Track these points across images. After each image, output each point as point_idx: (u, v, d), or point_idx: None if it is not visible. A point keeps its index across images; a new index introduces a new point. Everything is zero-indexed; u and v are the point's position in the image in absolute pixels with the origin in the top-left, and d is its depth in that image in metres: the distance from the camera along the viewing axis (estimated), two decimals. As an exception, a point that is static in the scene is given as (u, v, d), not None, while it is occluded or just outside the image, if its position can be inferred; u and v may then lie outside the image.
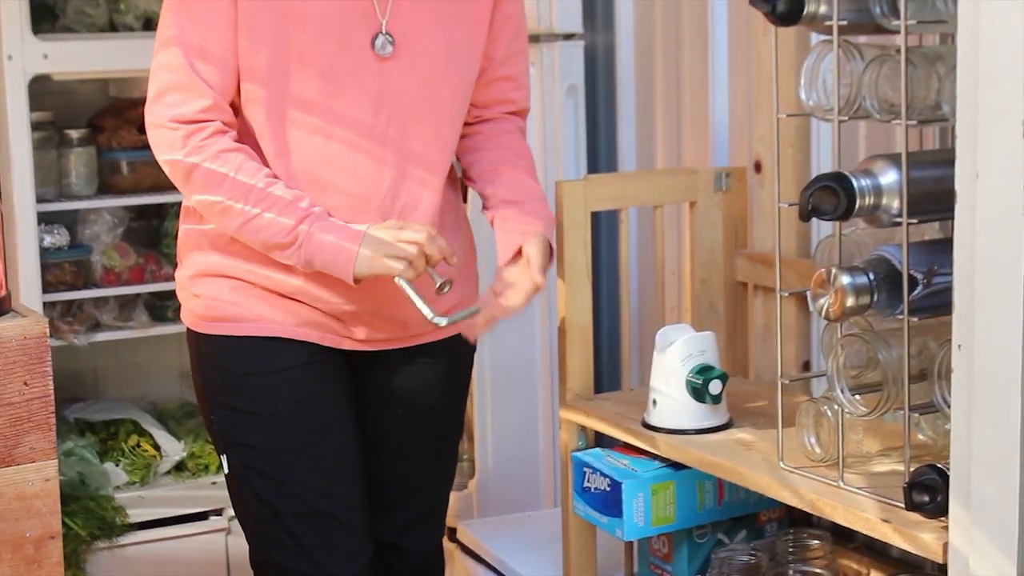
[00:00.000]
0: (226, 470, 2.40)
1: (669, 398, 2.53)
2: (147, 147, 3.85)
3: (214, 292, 2.35)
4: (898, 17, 2.11)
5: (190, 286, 2.39)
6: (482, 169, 2.44)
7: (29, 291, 3.48)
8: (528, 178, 2.43)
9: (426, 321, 2.24)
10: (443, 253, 2.22)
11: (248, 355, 2.35)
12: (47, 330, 2.02)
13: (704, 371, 2.51)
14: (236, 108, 2.30)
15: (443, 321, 2.24)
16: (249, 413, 2.36)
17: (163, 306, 3.97)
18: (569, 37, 3.35)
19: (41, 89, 3.69)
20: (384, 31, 2.26)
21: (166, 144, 2.26)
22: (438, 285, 2.24)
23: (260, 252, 2.27)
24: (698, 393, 2.51)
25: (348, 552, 2.40)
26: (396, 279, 2.21)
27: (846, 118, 2.22)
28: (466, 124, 2.45)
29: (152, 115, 2.27)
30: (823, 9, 2.24)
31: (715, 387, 2.50)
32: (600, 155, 3.38)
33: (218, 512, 3.73)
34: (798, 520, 2.79)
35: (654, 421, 2.56)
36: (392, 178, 2.29)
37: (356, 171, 2.27)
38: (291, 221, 2.21)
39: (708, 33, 3.10)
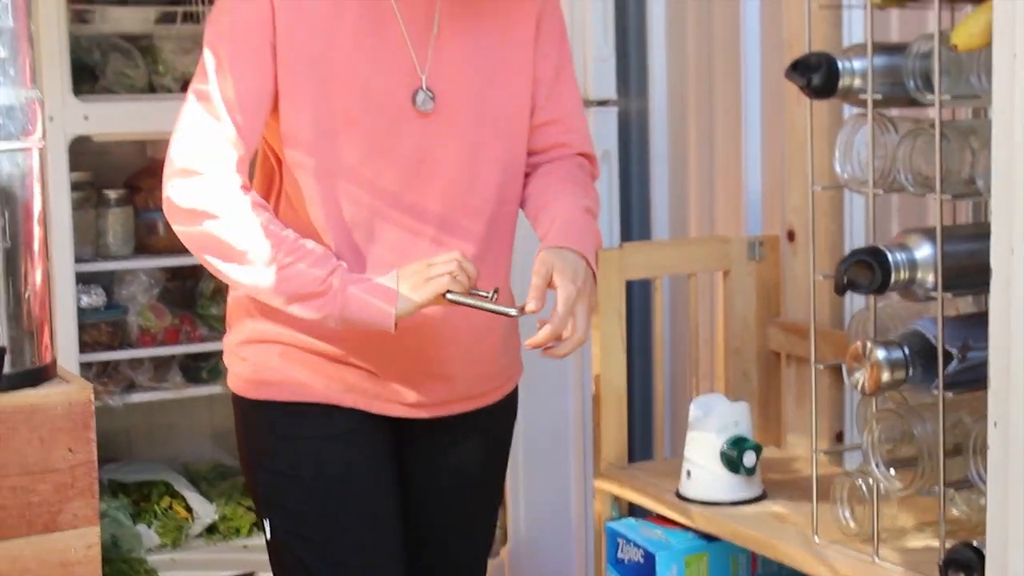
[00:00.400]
0: (267, 535, 2.39)
1: (703, 469, 2.53)
2: (184, 208, 3.97)
3: (263, 358, 2.36)
4: (932, 92, 2.13)
5: (238, 351, 2.40)
6: (531, 206, 2.35)
7: (66, 352, 3.50)
8: (570, 201, 2.29)
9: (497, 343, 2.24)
10: (474, 275, 2.15)
11: (295, 420, 2.35)
12: (92, 396, 2.03)
13: (738, 443, 2.51)
14: (275, 171, 2.31)
15: (514, 311, 2.11)
16: (293, 478, 2.36)
17: (197, 367, 3.99)
18: (603, 103, 3.37)
19: (80, 149, 3.72)
20: (424, 87, 2.24)
21: (189, 193, 2.20)
22: (489, 296, 2.14)
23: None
24: (732, 465, 2.51)
25: None
26: (448, 296, 2.13)
27: (881, 191, 2.22)
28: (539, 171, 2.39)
29: (175, 165, 2.21)
30: (858, 83, 2.26)
31: (749, 459, 2.50)
32: (633, 221, 3.39)
33: (250, 575, 3.73)
34: (832, 591, 2.77)
35: (688, 492, 2.56)
36: (428, 250, 2.27)
37: (397, 243, 2.27)
38: (323, 272, 2.17)
39: (741, 100, 3.11)
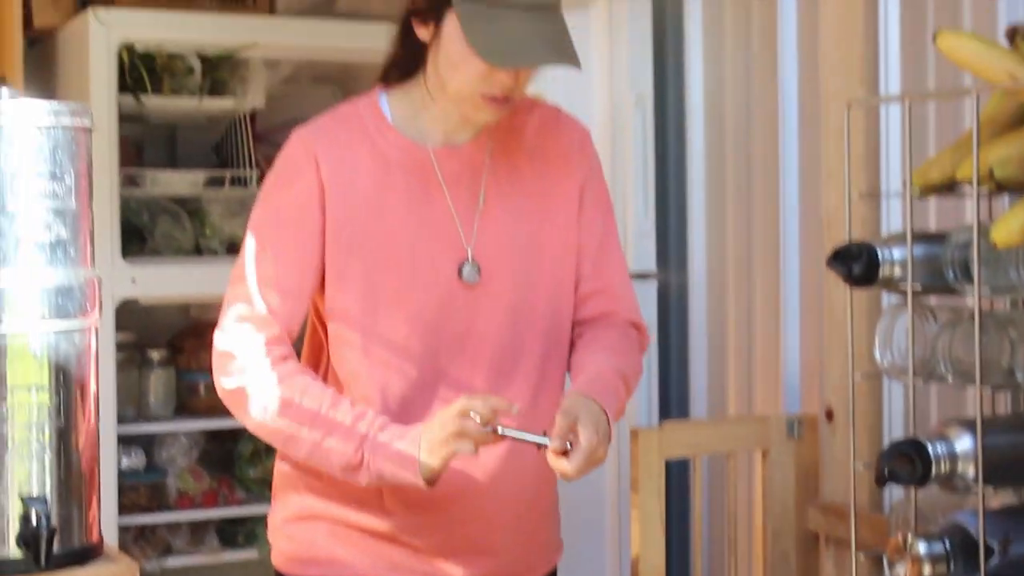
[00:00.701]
0: None
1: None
2: (226, 369, 4.00)
3: (309, 536, 2.36)
4: (971, 282, 2.15)
5: (284, 528, 2.40)
6: (573, 373, 2.34)
7: (106, 515, 3.50)
8: (604, 360, 2.28)
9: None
10: (495, 408, 2.12)
11: None
12: (137, 575, 2.05)
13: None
14: (323, 345, 2.34)
15: (546, 440, 2.09)
16: None
17: (234, 531, 3.99)
18: (643, 277, 3.42)
19: (126, 309, 3.78)
20: (471, 259, 2.27)
21: (231, 371, 2.24)
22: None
23: (353, 494, 2.28)
24: None
25: None
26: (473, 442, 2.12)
27: (921, 381, 2.24)
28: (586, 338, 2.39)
29: (221, 346, 2.26)
30: (897, 272, 2.28)
31: None
32: (672, 398, 3.41)
33: None
34: None
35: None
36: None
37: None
38: (351, 448, 2.17)
39: (780, 278, 3.14)
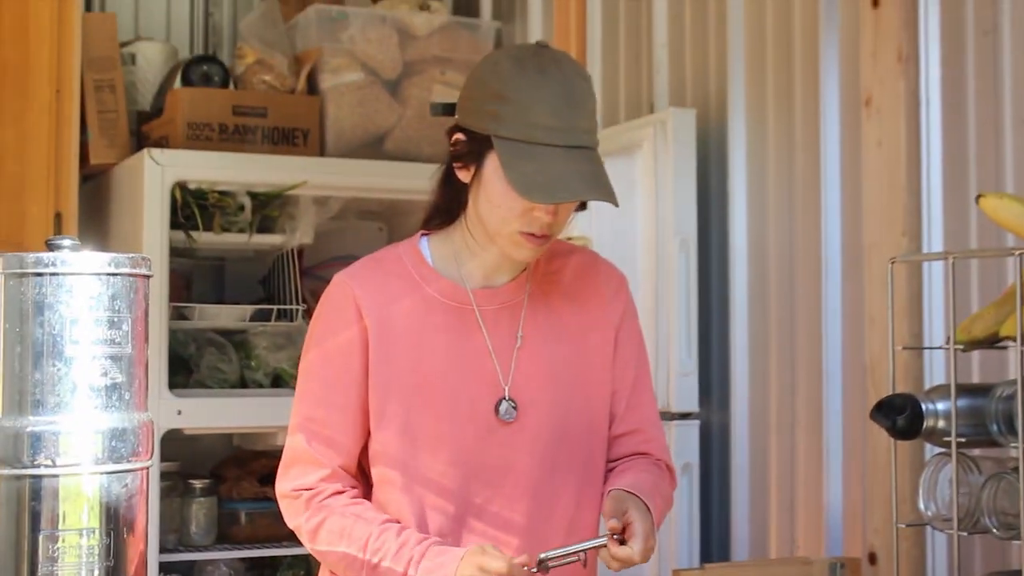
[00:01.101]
0: None
1: None
2: (267, 499, 4.05)
3: None
4: (1015, 435, 2.17)
5: None
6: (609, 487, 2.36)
7: (145, 644, 3.53)
8: (640, 474, 2.33)
9: None
10: (528, 563, 2.18)
11: None
12: None
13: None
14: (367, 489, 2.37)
15: (603, 540, 2.16)
16: None
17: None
18: (685, 416, 3.43)
19: (169, 437, 3.82)
20: (507, 396, 2.31)
21: (292, 512, 2.32)
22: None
23: None
24: None
25: None
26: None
27: (965, 533, 2.25)
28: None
29: (279, 490, 2.34)
30: (941, 424, 2.31)
31: None
32: (713, 539, 3.41)
33: None
34: None
35: None
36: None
37: None
38: (400, 569, 2.22)
39: (823, 421, 3.16)
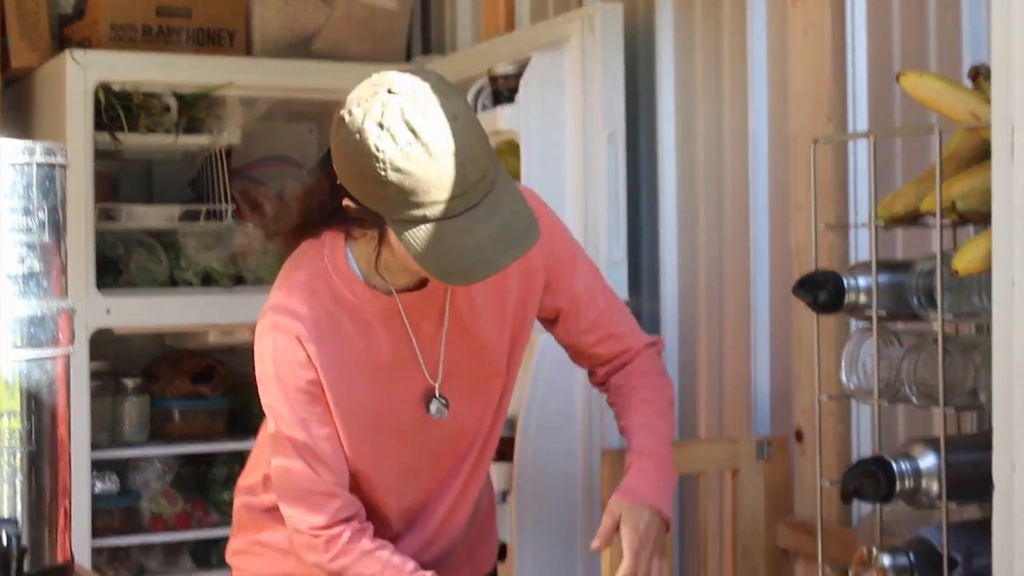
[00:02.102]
0: None
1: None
2: (198, 396, 4.06)
3: (271, 554, 2.48)
4: (935, 309, 2.22)
5: (249, 548, 2.51)
6: (624, 435, 2.52)
7: (79, 537, 3.55)
8: (649, 440, 2.44)
9: None
10: None
11: None
12: (109, 596, 2.09)
13: None
14: None
15: None
16: None
17: (207, 553, 4.03)
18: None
19: (100, 339, 3.82)
20: (438, 395, 2.35)
21: (310, 551, 2.34)
22: None
23: None
24: None
25: None
26: None
27: (886, 403, 2.31)
28: (598, 384, 2.56)
29: (290, 520, 2.34)
30: (863, 299, 2.35)
31: None
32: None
33: None
34: None
35: None
36: (426, 478, 2.43)
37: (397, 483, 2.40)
38: None
39: (750, 305, 3.22)
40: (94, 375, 3.88)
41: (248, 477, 2.57)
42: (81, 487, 3.67)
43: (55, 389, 2.09)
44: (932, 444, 2.24)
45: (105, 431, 3.97)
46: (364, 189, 2.11)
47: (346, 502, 2.32)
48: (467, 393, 2.39)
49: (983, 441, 2.04)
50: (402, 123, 2.05)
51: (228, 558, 2.60)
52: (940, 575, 2.17)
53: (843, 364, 2.39)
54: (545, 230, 2.27)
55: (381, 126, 2.05)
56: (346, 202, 2.19)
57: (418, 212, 2.06)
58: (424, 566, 2.37)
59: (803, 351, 2.91)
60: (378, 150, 2.04)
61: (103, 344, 3.92)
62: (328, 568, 2.32)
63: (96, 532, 3.80)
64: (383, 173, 2.05)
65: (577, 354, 2.55)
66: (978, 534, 2.17)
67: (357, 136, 2.07)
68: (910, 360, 2.30)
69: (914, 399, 2.29)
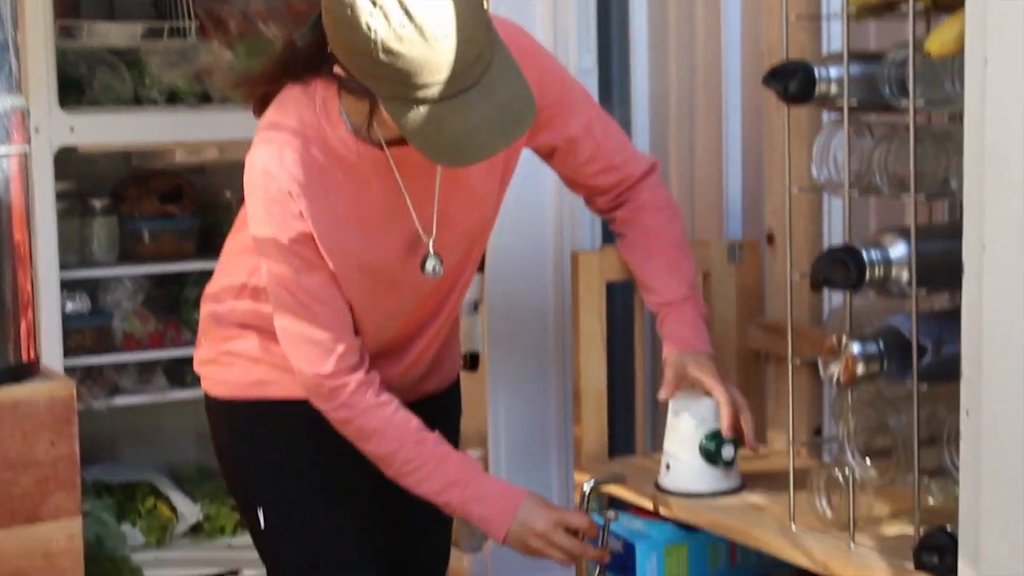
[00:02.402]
0: (261, 525, 2.47)
1: (683, 462, 2.58)
2: (168, 216, 4.03)
3: (246, 352, 2.49)
4: (907, 97, 2.20)
5: (218, 358, 2.54)
6: (642, 286, 2.64)
7: (51, 356, 3.54)
8: (676, 285, 2.57)
9: None
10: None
11: (287, 414, 2.46)
12: (74, 392, 2.10)
13: (717, 436, 2.56)
14: None
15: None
16: (290, 468, 2.46)
17: (181, 371, 4.04)
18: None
19: (66, 159, 3.77)
20: (432, 251, 2.34)
21: (314, 394, 2.37)
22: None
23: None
24: (711, 458, 2.55)
25: None
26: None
27: (856, 193, 2.30)
28: (599, 212, 2.63)
29: (295, 365, 2.36)
30: (834, 89, 2.33)
31: (727, 452, 2.55)
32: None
33: (234, 573, 3.77)
34: (809, 584, 2.84)
35: (667, 484, 2.60)
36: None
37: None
38: (436, 487, 2.37)
39: (722, 106, 3.18)
40: (61, 195, 3.82)
41: (214, 284, 2.57)
42: (51, 306, 3.65)
43: (11, 189, 2.07)
44: (903, 233, 2.24)
45: (74, 252, 3.94)
46: (354, 63, 2.07)
47: (349, 348, 2.33)
48: (459, 245, 2.39)
49: (954, 230, 2.03)
50: (395, 1, 1.99)
51: (196, 367, 2.60)
52: (909, 362, 2.18)
53: (814, 156, 2.37)
54: (534, 69, 2.25)
55: (374, 3, 1.99)
56: (337, 69, 2.14)
57: (409, 94, 2.02)
58: (400, 387, 2.40)
59: (774, 149, 2.88)
60: (369, 29, 1.99)
61: (69, 164, 3.86)
62: (331, 416, 2.36)
63: (68, 351, 3.79)
64: (374, 53, 2.00)
65: (574, 184, 2.58)
66: (948, 323, 2.17)
67: (349, 11, 2.01)
68: (881, 150, 2.28)
69: (885, 189, 2.28)
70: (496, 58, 2.07)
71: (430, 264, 2.33)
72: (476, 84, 2.03)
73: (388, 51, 1.99)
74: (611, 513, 2.56)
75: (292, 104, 2.27)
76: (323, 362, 2.31)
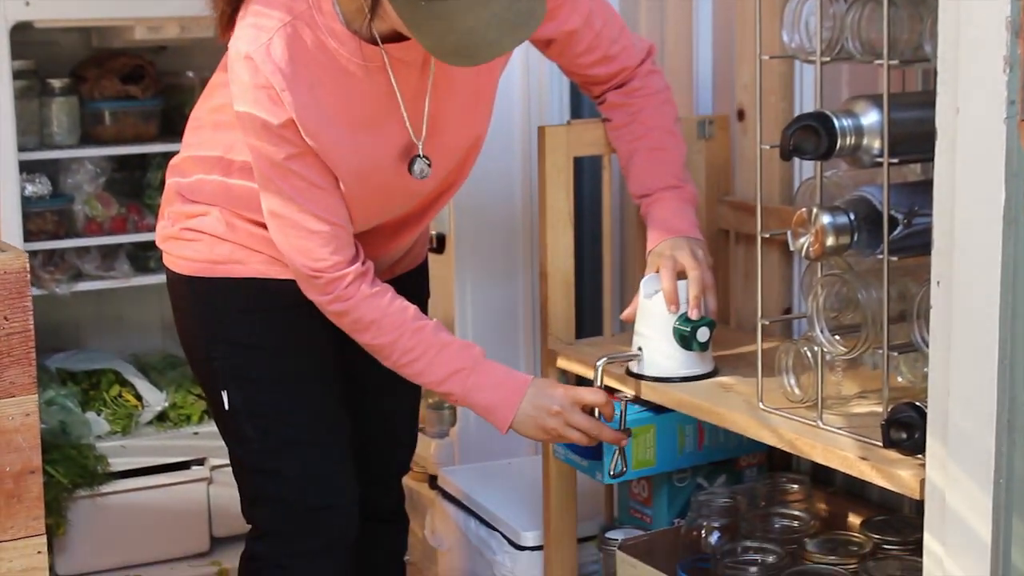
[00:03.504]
0: (225, 406, 2.43)
1: (655, 346, 2.49)
2: (130, 98, 3.93)
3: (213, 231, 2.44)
4: (881, -40, 2.11)
5: (181, 234, 2.47)
6: (621, 161, 2.63)
7: (10, 239, 3.48)
8: (648, 155, 2.55)
9: None
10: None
11: (253, 293, 2.42)
12: (27, 264, 2.02)
13: (691, 319, 2.49)
14: None
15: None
16: (255, 348, 2.42)
17: (145, 256, 3.98)
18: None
19: (23, 38, 3.67)
20: (421, 153, 2.28)
21: (309, 286, 2.33)
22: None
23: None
24: (685, 341, 2.46)
25: (347, 483, 2.49)
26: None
27: (828, 59, 2.22)
28: (595, 98, 2.61)
29: (288, 254, 2.31)
30: (804, -49, 2.24)
31: (703, 335, 2.46)
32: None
33: (200, 462, 3.74)
34: (777, 466, 2.80)
35: (640, 370, 2.52)
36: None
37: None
38: (439, 376, 2.33)
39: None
40: (18, 74, 3.72)
41: (181, 156, 2.50)
42: (9, 189, 3.57)
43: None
44: (875, 100, 2.15)
45: (33, 133, 3.84)
46: None
47: (346, 239, 2.28)
48: (451, 156, 2.34)
49: (927, 99, 1.95)
50: None
51: (159, 242, 2.54)
52: (880, 233, 2.11)
53: (784, 21, 2.28)
54: None
55: None
56: None
57: None
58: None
59: (745, 23, 2.80)
60: None
61: (26, 45, 3.76)
62: (327, 309, 2.32)
63: (29, 236, 3.72)
64: None
65: (569, 73, 2.56)
66: (919, 194, 2.11)
67: None
68: (854, 15, 2.20)
69: (858, 55, 2.20)
70: None
71: (418, 166, 2.28)
72: None
73: None
74: (628, 394, 2.50)
75: None
76: (320, 253, 2.27)
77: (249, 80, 2.17)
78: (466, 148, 2.40)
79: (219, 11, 2.26)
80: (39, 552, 2.05)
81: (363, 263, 2.31)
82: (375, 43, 2.19)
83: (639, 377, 2.52)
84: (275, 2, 2.18)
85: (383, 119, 2.25)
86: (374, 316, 2.30)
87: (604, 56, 2.49)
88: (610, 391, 2.52)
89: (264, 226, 2.35)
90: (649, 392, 2.50)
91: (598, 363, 2.48)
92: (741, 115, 2.89)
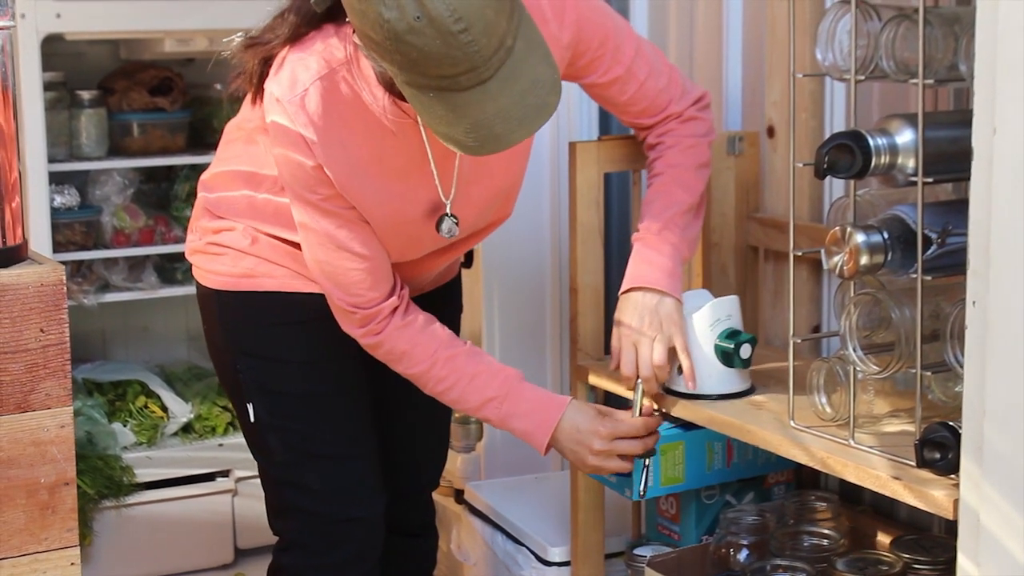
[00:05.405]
0: (251, 418, 2.44)
1: (696, 363, 2.47)
2: (157, 110, 3.95)
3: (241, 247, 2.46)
4: (916, -22, 2.11)
5: (211, 249, 2.49)
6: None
7: (39, 250, 3.48)
8: (652, 197, 2.50)
9: None
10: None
11: (277, 306, 2.43)
12: (64, 277, 2.03)
13: (733, 335, 2.46)
14: None
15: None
16: (280, 361, 2.42)
17: (172, 268, 3.99)
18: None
19: (53, 50, 3.70)
20: (449, 212, 2.30)
21: (347, 321, 2.35)
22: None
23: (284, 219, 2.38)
24: (728, 358, 2.45)
25: (371, 496, 2.49)
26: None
27: (863, 78, 2.21)
28: (640, 140, 2.59)
29: (329, 296, 2.34)
30: (839, -31, 2.24)
31: (746, 351, 2.44)
32: (612, 117, 3.37)
33: (224, 474, 3.75)
34: (806, 483, 2.80)
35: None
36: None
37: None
38: (475, 402, 2.36)
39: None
40: (48, 86, 3.75)
41: (210, 171, 2.53)
42: (39, 199, 3.60)
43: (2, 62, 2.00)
44: (909, 119, 2.15)
45: (62, 145, 3.86)
46: (369, 45, 1.95)
47: (380, 276, 2.30)
48: (477, 207, 2.35)
49: (961, 117, 1.96)
50: (414, 6, 1.85)
51: (188, 255, 2.57)
52: (914, 252, 2.10)
53: (819, 39, 2.28)
54: (572, 18, 2.25)
55: (396, 6, 1.86)
56: (356, 39, 2.04)
57: (424, 81, 1.91)
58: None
59: (776, 39, 2.80)
60: (384, 20, 1.87)
61: (56, 56, 3.79)
62: (362, 342, 2.35)
63: (57, 247, 3.74)
64: (387, 44, 1.88)
65: (617, 116, 2.58)
66: (954, 212, 2.10)
67: (363, 9, 1.90)
68: (888, 33, 2.20)
69: (892, 74, 2.20)
70: (519, 39, 1.94)
71: (446, 225, 2.30)
72: (495, 74, 1.91)
73: (402, 42, 1.87)
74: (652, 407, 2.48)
75: (311, 42, 2.19)
76: (357, 290, 2.29)
77: (284, 126, 2.18)
78: (496, 201, 2.40)
79: (248, 71, 2.25)
80: (72, 564, 2.05)
81: (399, 295, 2.33)
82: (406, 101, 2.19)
83: (678, 395, 2.50)
84: (312, 51, 2.18)
85: (414, 174, 2.27)
86: (405, 348, 2.33)
87: (649, 107, 2.48)
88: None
89: (288, 241, 2.37)
90: (680, 409, 2.49)
91: (638, 381, 2.45)
92: (771, 132, 2.89)
